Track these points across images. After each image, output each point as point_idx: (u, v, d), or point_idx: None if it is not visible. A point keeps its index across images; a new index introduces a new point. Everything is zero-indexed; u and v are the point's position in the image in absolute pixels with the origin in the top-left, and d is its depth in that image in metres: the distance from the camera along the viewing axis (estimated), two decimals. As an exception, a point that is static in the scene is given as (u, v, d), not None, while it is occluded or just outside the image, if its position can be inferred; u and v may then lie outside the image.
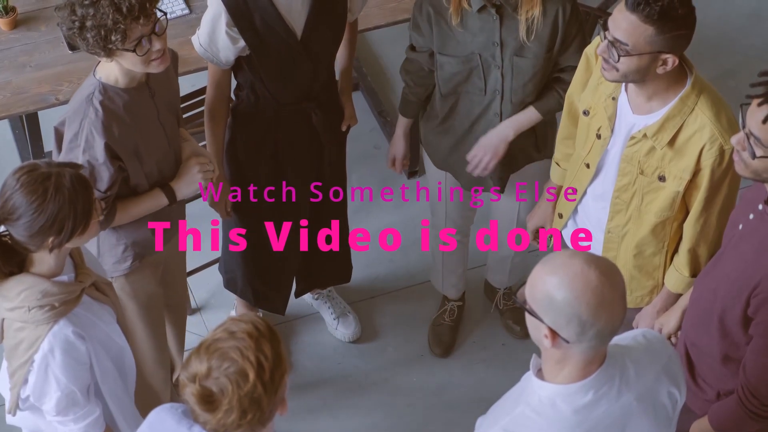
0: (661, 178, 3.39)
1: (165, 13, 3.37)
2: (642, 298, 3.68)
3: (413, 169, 5.20)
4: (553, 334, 2.55)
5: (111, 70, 3.42)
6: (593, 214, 3.64)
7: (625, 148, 3.41)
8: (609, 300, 2.50)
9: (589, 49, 3.56)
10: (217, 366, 2.45)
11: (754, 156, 2.89)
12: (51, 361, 3.10)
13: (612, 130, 3.44)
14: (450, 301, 4.70)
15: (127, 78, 3.43)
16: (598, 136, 3.48)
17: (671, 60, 3.21)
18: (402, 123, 4.24)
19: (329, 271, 4.50)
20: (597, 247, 3.67)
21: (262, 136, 3.98)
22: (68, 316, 3.10)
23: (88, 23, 3.24)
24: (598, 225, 3.63)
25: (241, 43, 3.74)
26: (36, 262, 3.07)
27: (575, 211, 3.72)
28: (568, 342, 2.55)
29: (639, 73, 3.24)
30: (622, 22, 3.19)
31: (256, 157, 4.01)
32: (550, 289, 2.52)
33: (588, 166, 3.55)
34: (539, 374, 2.67)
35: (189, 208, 4.54)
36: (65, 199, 2.95)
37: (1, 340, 3.18)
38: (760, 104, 2.84)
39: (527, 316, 2.60)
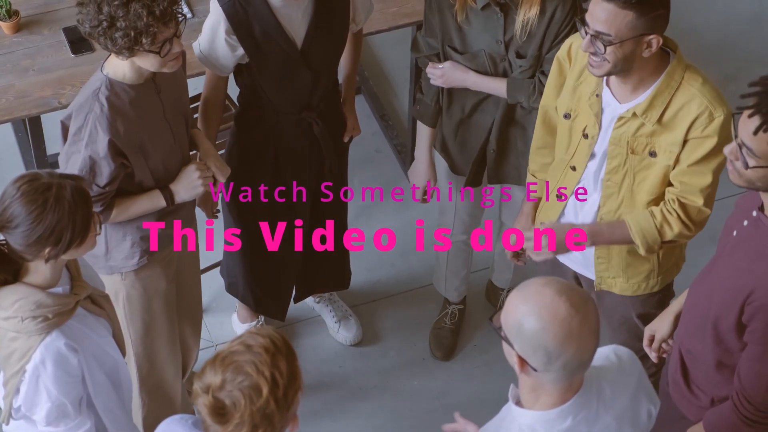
0: (652, 154, 3.41)
1: (184, 16, 3.40)
2: (639, 284, 3.69)
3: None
4: (522, 361, 2.55)
5: (119, 67, 3.44)
6: (582, 213, 3.65)
7: (612, 131, 3.42)
8: (577, 333, 2.49)
9: (560, 54, 3.57)
10: (231, 379, 2.46)
11: (747, 166, 2.89)
12: (42, 373, 3.09)
13: (599, 127, 3.46)
14: (451, 304, 4.70)
15: (135, 74, 3.45)
16: (585, 136, 3.49)
17: (655, 41, 3.25)
18: (424, 136, 4.10)
19: (327, 276, 4.50)
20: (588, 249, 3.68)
21: (263, 143, 3.98)
22: (61, 328, 3.09)
23: (119, 23, 3.26)
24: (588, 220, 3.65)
25: (240, 51, 3.76)
26: (31, 271, 3.07)
27: (561, 215, 3.72)
28: (536, 370, 2.55)
29: (627, 60, 3.27)
30: (601, 13, 3.21)
31: (256, 164, 4.02)
32: (520, 317, 2.52)
33: (574, 168, 3.56)
34: (518, 403, 2.67)
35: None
36: (64, 210, 2.95)
37: None
38: (750, 115, 2.84)
39: (502, 341, 2.60)
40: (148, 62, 3.38)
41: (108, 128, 3.40)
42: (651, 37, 3.23)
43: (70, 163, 3.47)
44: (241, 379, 2.45)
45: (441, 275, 4.62)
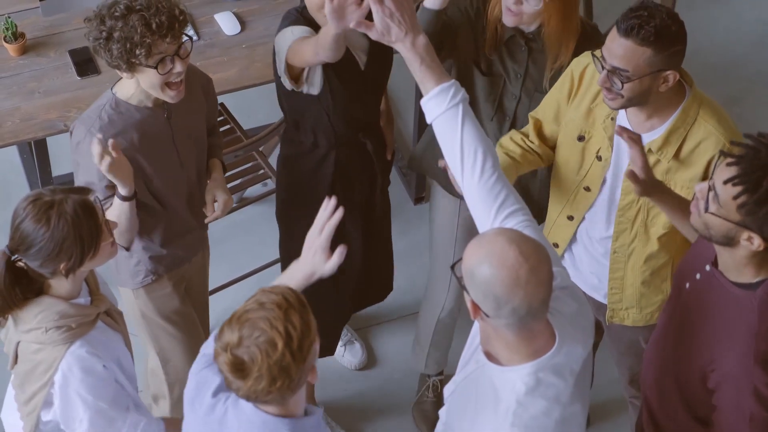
0: None
1: (191, 38, 3.40)
2: (652, 314, 3.67)
3: (420, 195, 5.21)
4: (475, 306, 2.66)
5: (128, 88, 3.46)
6: (597, 239, 3.64)
7: (627, 166, 3.42)
8: (524, 280, 2.59)
9: (575, 70, 3.52)
10: (247, 335, 2.56)
11: (706, 209, 2.88)
12: (72, 381, 3.12)
13: (612, 149, 3.45)
14: (431, 377, 4.57)
15: (143, 96, 3.46)
16: (599, 158, 3.48)
17: (672, 76, 3.24)
18: None
19: (375, 290, 4.39)
20: (603, 272, 3.67)
21: (314, 172, 3.90)
22: (84, 337, 3.13)
23: (116, 35, 3.28)
24: (601, 249, 3.64)
25: (318, 79, 3.68)
26: (53, 286, 3.12)
27: (573, 240, 3.71)
28: (488, 316, 2.65)
29: (643, 95, 3.26)
30: (618, 49, 3.20)
31: (309, 194, 3.90)
32: (473, 263, 2.63)
33: (588, 189, 3.55)
34: (494, 360, 2.75)
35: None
36: (69, 226, 2.99)
37: (12, 366, 3.20)
38: (729, 164, 2.84)
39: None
40: (148, 81, 3.38)
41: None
42: (668, 72, 3.23)
43: (79, 175, 3.50)
44: (257, 334, 2.55)
45: (422, 349, 4.46)
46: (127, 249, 3.64)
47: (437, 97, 2.91)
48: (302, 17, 3.68)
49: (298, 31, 3.61)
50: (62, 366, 3.10)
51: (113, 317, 3.29)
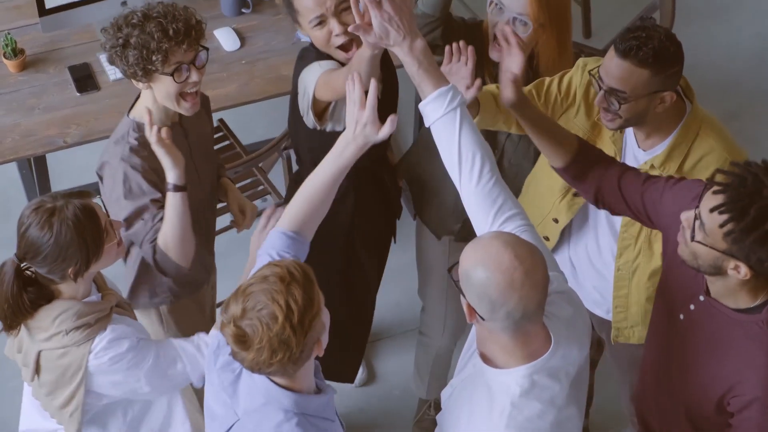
0: None
1: (207, 49, 3.40)
2: None
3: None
4: (471, 309, 2.69)
5: (144, 110, 3.45)
6: (601, 254, 3.63)
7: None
8: (519, 284, 2.61)
9: (583, 63, 3.51)
10: (250, 308, 2.61)
11: (692, 238, 2.87)
12: (108, 369, 3.17)
13: (620, 159, 3.45)
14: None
15: (162, 114, 3.46)
16: None
17: (669, 97, 3.24)
18: None
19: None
20: (606, 287, 3.67)
21: (334, 220, 3.75)
22: (102, 332, 3.17)
23: (133, 41, 3.29)
24: (605, 264, 3.63)
25: (345, 113, 3.64)
26: (64, 290, 3.16)
27: (576, 253, 3.70)
28: (483, 319, 2.67)
29: (640, 116, 3.27)
30: (616, 70, 3.20)
31: (331, 233, 3.77)
32: (469, 267, 2.66)
33: (577, 194, 3.55)
34: (489, 362, 2.77)
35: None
36: (72, 231, 3.03)
37: (33, 377, 3.22)
38: (716, 192, 2.83)
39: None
40: (164, 91, 3.37)
41: (140, 166, 3.41)
42: (665, 93, 3.23)
43: (124, 207, 3.46)
44: (260, 307, 2.59)
45: (422, 380, 4.46)
46: (188, 269, 3.54)
47: (435, 101, 2.93)
48: (322, 52, 3.63)
49: (326, 63, 3.59)
50: (91, 361, 3.15)
51: (123, 308, 3.34)
